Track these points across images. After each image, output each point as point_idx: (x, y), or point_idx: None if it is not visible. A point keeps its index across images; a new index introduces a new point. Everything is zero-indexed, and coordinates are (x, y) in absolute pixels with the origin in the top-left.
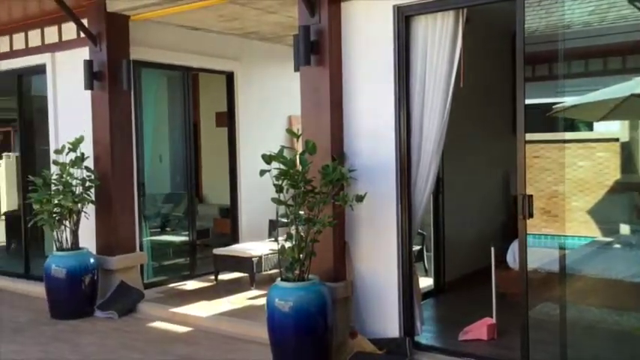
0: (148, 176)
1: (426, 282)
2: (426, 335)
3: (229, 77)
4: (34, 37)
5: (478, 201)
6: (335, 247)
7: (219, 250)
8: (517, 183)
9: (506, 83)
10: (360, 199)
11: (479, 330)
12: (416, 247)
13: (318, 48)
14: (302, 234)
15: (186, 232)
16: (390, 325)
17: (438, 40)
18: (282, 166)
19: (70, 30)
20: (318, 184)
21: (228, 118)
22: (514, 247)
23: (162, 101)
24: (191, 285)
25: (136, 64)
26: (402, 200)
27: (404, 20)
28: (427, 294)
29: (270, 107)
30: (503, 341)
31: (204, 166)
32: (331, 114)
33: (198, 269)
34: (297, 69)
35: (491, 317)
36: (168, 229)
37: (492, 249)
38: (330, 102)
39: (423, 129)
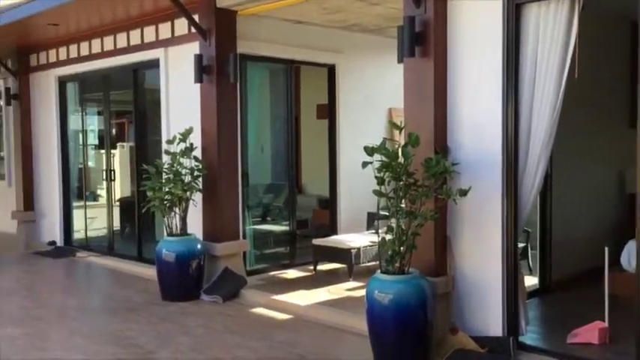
0: (251, 167)
1: (530, 281)
2: (530, 336)
3: (331, 70)
4: (149, 33)
5: (589, 199)
6: (436, 241)
7: (318, 241)
8: (637, 180)
9: (621, 74)
10: (464, 193)
11: (589, 333)
12: (520, 245)
13: (423, 39)
14: (403, 227)
15: (287, 222)
16: (492, 323)
17: (551, 29)
18: (384, 159)
19: (181, 26)
20: (421, 177)
21: (328, 111)
22: (629, 248)
23: (264, 94)
24: (291, 274)
25: (241, 58)
26: (508, 195)
27: (514, 9)
28: (532, 293)
29: (371, 99)
30: (616, 347)
31: (303, 158)
32: (435, 106)
33: (297, 259)
34: (400, 60)
35: (603, 320)
36: (268, 218)
37: (606, 249)
38: (434, 94)
39: (531, 122)
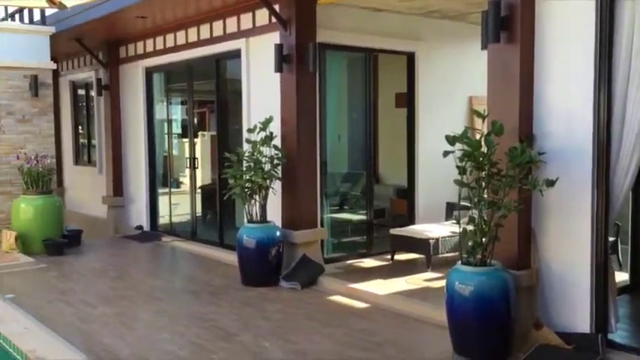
0: (329, 156)
1: (620, 277)
2: (620, 334)
3: (410, 58)
4: (231, 24)
5: None
6: (520, 233)
7: (396, 231)
8: None
9: None
10: (550, 183)
11: None
12: (610, 238)
13: (509, 24)
14: (485, 218)
15: (364, 211)
16: (579, 320)
17: None
18: (466, 148)
19: (262, 16)
20: (504, 166)
21: (407, 99)
22: None
23: (342, 82)
24: (367, 263)
25: (321, 47)
26: (599, 187)
27: None
28: (622, 289)
29: (451, 87)
30: None
31: (381, 147)
32: (520, 94)
33: (374, 248)
34: (484, 47)
35: None
36: (345, 207)
37: None
38: (520, 81)
39: (625, 113)
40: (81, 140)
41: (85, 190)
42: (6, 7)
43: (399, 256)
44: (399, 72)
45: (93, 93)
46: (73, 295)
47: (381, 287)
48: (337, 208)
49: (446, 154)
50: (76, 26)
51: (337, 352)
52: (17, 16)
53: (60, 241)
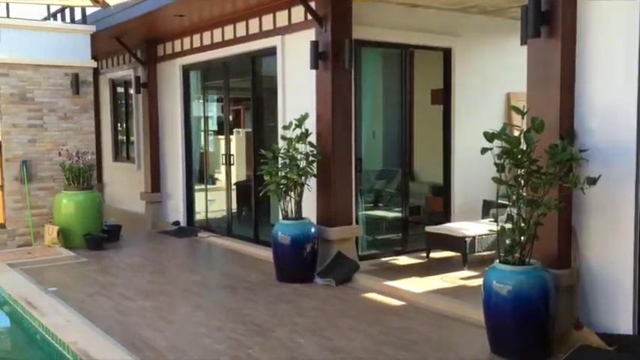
0: (364, 153)
1: None
2: None
3: (447, 54)
4: (267, 22)
5: None
6: (560, 232)
7: (431, 228)
8: None
9: None
10: (592, 181)
11: None
12: None
13: (550, 19)
14: (524, 216)
15: (399, 209)
16: (622, 320)
17: None
18: (504, 145)
19: (298, 13)
20: (545, 164)
21: (443, 96)
22: None
23: (377, 79)
24: (402, 260)
25: (356, 44)
26: None
27: None
28: None
29: (488, 84)
30: None
31: (416, 144)
32: (561, 89)
33: (409, 245)
34: (524, 42)
35: None
36: (380, 204)
37: None
38: (561, 77)
39: None
40: (120, 137)
41: (123, 186)
42: (48, 7)
43: (434, 254)
44: (435, 68)
45: (132, 91)
46: (112, 289)
47: (416, 285)
48: (372, 205)
49: (484, 151)
50: (115, 25)
51: (372, 349)
52: (59, 15)
53: (100, 236)
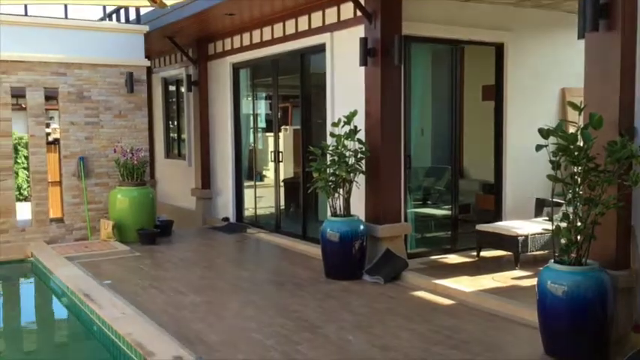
0: (413, 149)
1: None
2: None
3: (499, 49)
4: (316, 19)
5: None
6: (618, 232)
7: (482, 227)
8: None
9: None
10: None
11: None
12: None
13: (609, 11)
14: (580, 215)
15: (448, 207)
16: None
17: None
18: (560, 142)
19: (347, 10)
20: (603, 161)
21: (495, 92)
22: None
23: (427, 75)
24: (452, 259)
25: (406, 40)
26: None
27: None
28: None
29: (542, 79)
30: None
31: (466, 141)
32: (621, 84)
33: (459, 244)
34: (581, 36)
35: None
36: (429, 202)
37: None
38: (621, 71)
39: None
40: (171, 134)
41: (174, 183)
42: (104, 8)
43: (485, 253)
44: (486, 64)
45: (183, 89)
46: (165, 283)
47: (466, 284)
48: (420, 202)
49: (539, 147)
50: (168, 24)
51: (422, 348)
52: (114, 15)
53: (153, 231)
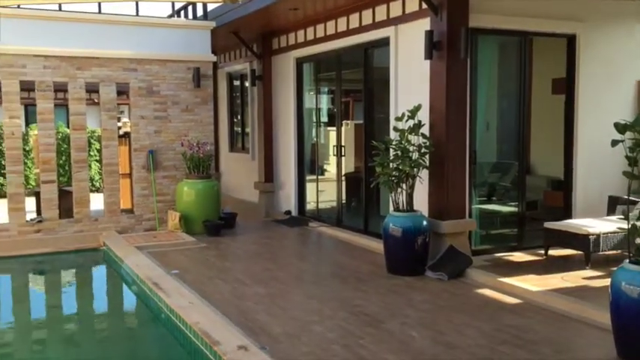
0: (479, 144)
1: None
2: None
3: (570, 40)
4: (380, 12)
5: None
6: None
7: (551, 224)
8: None
9: None
10: None
11: None
12: None
13: None
14: None
15: (514, 203)
16: None
17: None
18: (638, 137)
19: (412, 3)
20: None
21: (566, 85)
22: None
23: (493, 68)
24: (518, 257)
25: (472, 32)
26: None
27: None
28: None
29: (616, 71)
30: None
31: (533, 136)
32: None
33: (525, 241)
34: None
35: None
36: (494, 198)
37: None
38: None
39: None
40: (235, 128)
41: (238, 176)
42: (173, 4)
43: (553, 251)
44: (556, 56)
45: (247, 83)
46: (229, 274)
47: (534, 283)
48: (485, 199)
49: (615, 143)
50: (234, 20)
51: (487, 347)
52: (182, 12)
53: (218, 223)
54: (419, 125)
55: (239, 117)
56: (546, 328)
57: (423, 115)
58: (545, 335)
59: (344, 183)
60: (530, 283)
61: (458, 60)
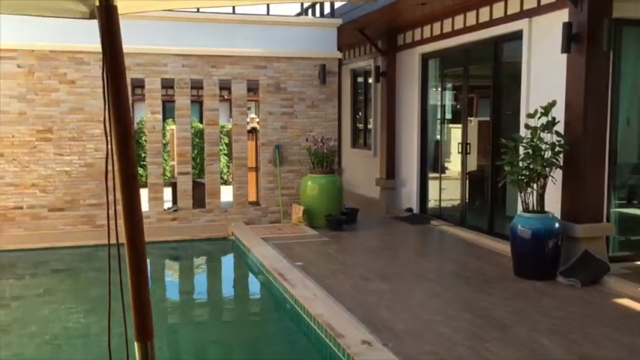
0: (620, 144)
1: None
2: None
3: None
4: (513, 5)
5: None
6: None
7: None
8: None
9: None
10: None
11: None
12: None
13: None
14: None
15: None
16: None
17: None
18: None
19: None
20: None
21: None
22: None
23: (638, 61)
24: None
25: (616, 23)
26: None
27: None
28: None
29: None
30: None
31: None
32: None
33: None
34: None
35: None
36: (635, 201)
37: None
38: None
39: None
40: (358, 125)
41: (360, 172)
42: (302, 3)
43: None
44: None
45: (371, 80)
46: (351, 268)
47: None
48: (625, 202)
49: None
50: (360, 17)
51: None
52: (310, 10)
53: (340, 218)
54: (553, 122)
55: (361, 113)
56: None
57: (557, 112)
58: None
59: (468, 181)
60: None
61: (599, 53)
